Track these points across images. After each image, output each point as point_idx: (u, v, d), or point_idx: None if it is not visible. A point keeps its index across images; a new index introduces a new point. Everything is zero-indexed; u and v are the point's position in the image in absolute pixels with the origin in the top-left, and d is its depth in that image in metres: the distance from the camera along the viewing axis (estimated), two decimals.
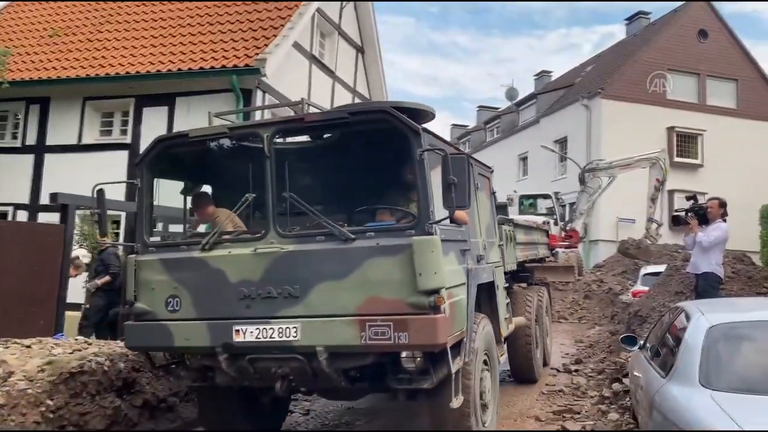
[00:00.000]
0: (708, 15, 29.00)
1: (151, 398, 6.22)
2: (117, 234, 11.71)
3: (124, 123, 12.72)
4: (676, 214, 8.09)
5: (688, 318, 4.02)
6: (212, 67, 11.37)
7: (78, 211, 9.09)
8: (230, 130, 4.73)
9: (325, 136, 4.94)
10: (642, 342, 5.36)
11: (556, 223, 18.47)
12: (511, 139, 35.60)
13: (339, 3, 14.88)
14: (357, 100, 15.73)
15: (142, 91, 12.26)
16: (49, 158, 12.90)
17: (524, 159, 33.70)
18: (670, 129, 26.87)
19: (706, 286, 7.59)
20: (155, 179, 5.00)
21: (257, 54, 11.29)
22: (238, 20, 12.82)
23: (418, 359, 4.21)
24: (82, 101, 12.81)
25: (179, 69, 11.67)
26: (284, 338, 4.21)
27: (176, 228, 6.25)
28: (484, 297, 5.54)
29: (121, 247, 10.36)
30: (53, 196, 7.29)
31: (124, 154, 12.23)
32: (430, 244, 4.05)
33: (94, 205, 7.25)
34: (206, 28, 12.91)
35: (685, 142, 27.27)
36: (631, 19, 33.81)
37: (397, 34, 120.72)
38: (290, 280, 4.25)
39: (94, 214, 5.22)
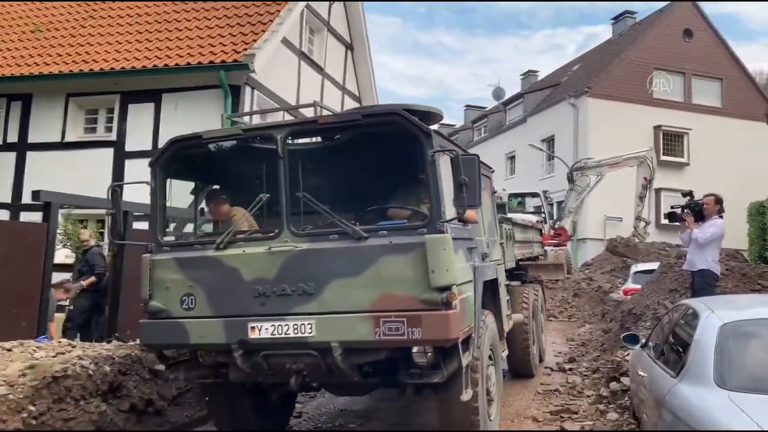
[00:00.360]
0: (693, 14, 29.23)
1: (139, 402, 6.06)
2: (101, 234, 11.43)
3: (109, 120, 12.41)
4: (671, 210, 8.02)
5: (696, 316, 3.91)
6: (199, 63, 11.12)
7: (61, 210, 8.86)
8: (244, 131, 4.82)
9: (337, 137, 4.97)
10: (644, 341, 5.27)
11: (545, 222, 18.49)
12: (499, 138, 35.64)
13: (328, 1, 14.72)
14: (346, 98, 15.59)
15: (128, 87, 11.96)
16: (31, 156, 12.54)
17: (512, 158, 33.74)
18: (657, 128, 27.02)
19: (703, 284, 7.54)
20: (169, 180, 5.07)
21: (246, 49, 11.08)
22: (225, 15, 12.58)
23: (429, 354, 4.29)
24: (65, 98, 12.48)
25: (166, 64, 11.39)
26: (299, 334, 4.30)
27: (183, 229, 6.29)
28: (488, 294, 5.60)
29: (106, 247, 10.14)
30: (35, 194, 7.04)
31: (109, 152, 11.94)
32: (442, 242, 4.16)
33: (78, 202, 7.18)
34: (193, 23, 12.65)
35: (671, 141, 27.45)
36: (617, 19, 34.00)
37: (384, 35, 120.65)
38: (304, 278, 4.34)
39: (109, 213, 5.25)
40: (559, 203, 22.25)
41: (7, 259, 6.86)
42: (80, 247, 9.47)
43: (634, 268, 14.88)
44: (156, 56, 11.76)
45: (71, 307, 8.82)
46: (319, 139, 5.33)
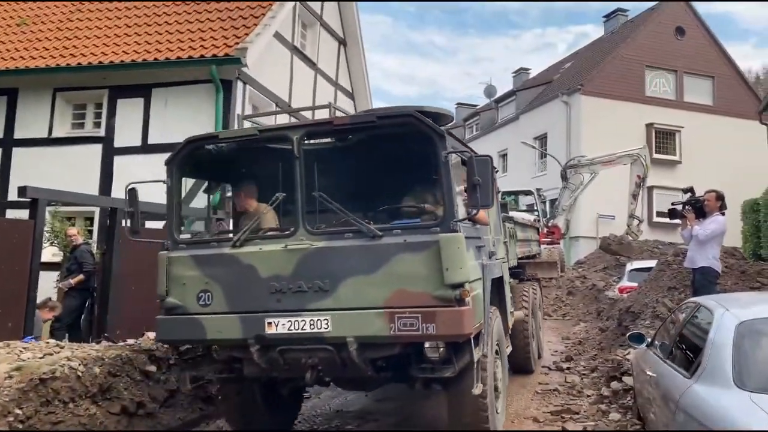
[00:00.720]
0: (685, 12, 29.29)
1: (129, 404, 5.89)
2: (90, 231, 11.19)
3: (98, 115, 12.11)
4: (672, 207, 7.91)
5: (709, 314, 3.79)
6: (190, 57, 10.88)
7: (48, 207, 8.63)
8: (260, 132, 4.93)
9: (351, 138, 5.03)
10: (649, 340, 5.16)
11: (538, 220, 18.48)
12: (491, 136, 35.58)
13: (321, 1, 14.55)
14: (339, 94, 15.41)
15: (117, 82, 11.68)
16: (17, 152, 12.24)
17: (504, 156, 33.69)
18: (649, 125, 27.05)
19: (703, 281, 7.44)
20: (184, 178, 5.24)
21: (237, 44, 10.87)
22: (216, 9, 12.35)
23: (441, 349, 4.43)
24: (52, 92, 12.18)
25: (155, 59, 11.14)
26: (315, 330, 4.42)
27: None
28: (494, 291, 5.69)
29: (94, 245, 9.92)
30: (22, 190, 6.83)
31: (97, 148, 11.67)
32: (456, 240, 4.29)
33: (67, 199, 7.08)
34: (183, 16, 12.41)
35: (663, 139, 27.49)
36: (609, 17, 34.03)
37: (375, 33, 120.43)
38: (320, 275, 4.45)
39: (126, 212, 5.19)
40: (552, 201, 22.23)
41: None
42: (68, 244, 9.25)
43: (629, 266, 14.83)
44: (145, 50, 11.51)
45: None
46: (333, 139, 5.33)
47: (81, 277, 8.57)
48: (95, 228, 11.26)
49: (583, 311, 16.01)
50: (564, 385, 7.86)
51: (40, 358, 5.62)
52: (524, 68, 40.69)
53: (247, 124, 5.86)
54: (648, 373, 4.49)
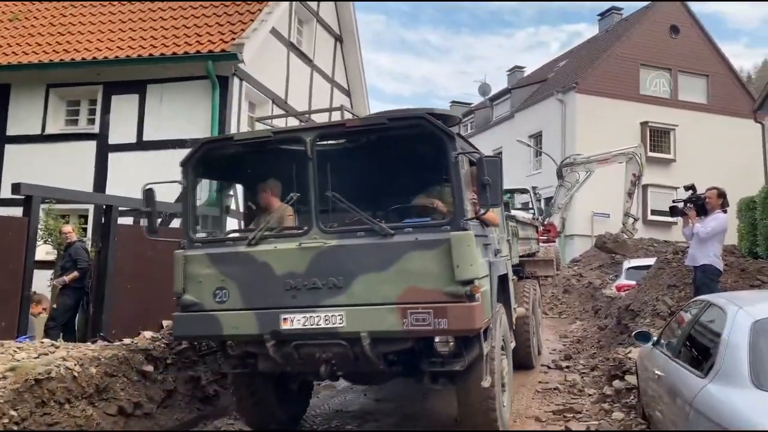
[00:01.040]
0: (680, 11, 29.34)
1: (127, 405, 5.79)
2: (84, 229, 11.05)
3: (92, 112, 11.93)
4: (673, 204, 7.87)
5: (721, 313, 3.73)
6: (186, 53, 10.74)
7: (42, 205, 8.48)
8: (274, 134, 5.09)
9: (362, 140, 5.18)
10: (656, 338, 5.10)
11: (537, 218, 18.48)
12: (486, 134, 35.52)
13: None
14: (335, 91, 15.30)
15: (111, 78, 11.51)
16: (9, 149, 12.05)
17: (498, 154, 33.57)
18: (644, 124, 27.09)
19: (705, 279, 7.40)
20: (199, 179, 5.43)
21: (234, 39, 10.74)
22: (212, 4, 12.20)
23: (451, 343, 4.57)
24: (45, 88, 11.99)
25: (150, 54, 10.98)
26: (330, 325, 4.56)
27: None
28: (499, 288, 5.80)
29: (89, 242, 9.78)
30: (16, 187, 6.69)
31: (91, 145, 11.50)
32: (466, 238, 4.44)
33: (62, 196, 7.05)
34: (178, 12, 12.24)
35: (658, 137, 27.53)
36: (603, 15, 34.07)
37: (368, 32, 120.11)
38: (334, 272, 4.59)
39: (144, 212, 5.33)
40: (547, 199, 22.19)
41: None
42: (62, 242, 9.10)
43: (626, 264, 14.82)
44: (140, 46, 11.35)
45: (54, 305, 8.46)
46: (345, 141, 5.44)
47: (75, 274, 8.43)
48: (89, 226, 11.12)
49: (579, 309, 15.99)
50: (564, 384, 7.82)
51: (35, 358, 5.53)
52: (519, 66, 40.69)
53: (255, 126, 6.21)
54: (656, 372, 4.42)
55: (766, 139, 20.20)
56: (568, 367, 8.93)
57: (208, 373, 7.02)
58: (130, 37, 11.70)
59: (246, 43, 10.62)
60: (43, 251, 9.73)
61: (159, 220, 10.38)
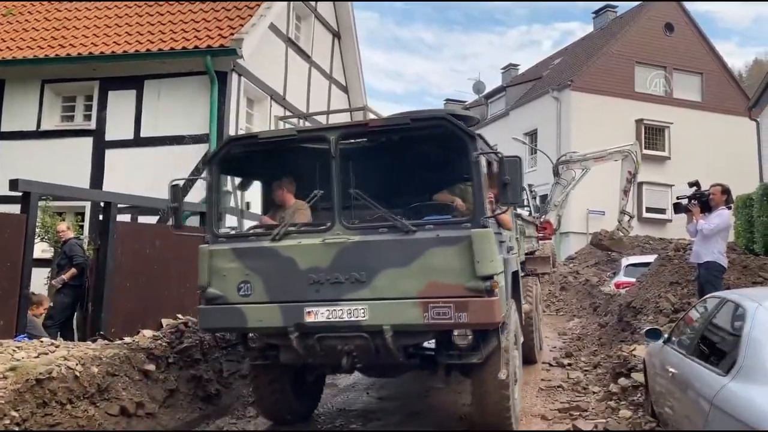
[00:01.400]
0: (674, 9, 29.38)
1: (129, 405, 5.70)
2: (81, 226, 10.91)
3: (88, 108, 11.76)
4: (677, 201, 7.83)
5: (740, 309, 3.68)
6: (184, 48, 10.60)
7: (38, 202, 8.35)
8: (299, 132, 5.28)
9: (384, 139, 5.26)
10: (666, 336, 5.06)
11: (537, 216, 18.48)
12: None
13: None
14: (333, 88, 15.21)
15: (108, 74, 11.35)
16: (4, 146, 11.85)
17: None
18: (639, 121, 27.12)
19: (709, 276, 7.37)
20: (223, 176, 5.59)
21: (232, 34, 10.62)
22: None
23: (469, 337, 4.77)
24: (40, 84, 11.81)
25: (148, 50, 10.84)
26: (353, 318, 4.72)
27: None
28: (512, 284, 5.96)
29: (86, 239, 9.66)
30: (13, 183, 6.55)
31: (88, 141, 11.34)
32: (487, 235, 4.61)
33: (61, 192, 7.04)
34: (176, 7, 12.10)
35: (652, 135, 27.58)
36: (598, 13, 34.08)
37: (362, 29, 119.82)
38: (356, 267, 4.74)
39: (170, 208, 5.51)
40: (543, 197, 22.17)
41: None
42: (58, 240, 8.97)
43: (625, 261, 14.82)
44: (137, 41, 11.21)
45: (51, 304, 8.33)
46: (367, 140, 5.52)
47: (73, 271, 8.31)
48: (86, 223, 10.99)
49: (576, 306, 15.96)
50: (568, 382, 7.78)
51: (35, 357, 5.44)
52: (513, 64, 40.72)
53: (278, 125, 6.42)
54: (669, 369, 4.37)
55: (761, 137, 20.27)
56: (570, 364, 8.89)
57: (210, 372, 6.97)
58: (126, 32, 11.55)
59: (245, 38, 10.50)
60: (39, 249, 9.59)
61: (159, 217, 10.41)
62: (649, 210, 26.77)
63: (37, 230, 8.62)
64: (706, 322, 4.19)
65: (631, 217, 20.15)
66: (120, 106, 11.27)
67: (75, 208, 11.19)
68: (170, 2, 12.30)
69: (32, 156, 11.31)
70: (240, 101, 11.13)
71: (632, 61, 27.92)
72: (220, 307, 5.08)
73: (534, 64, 38.82)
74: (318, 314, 4.78)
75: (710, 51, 29.88)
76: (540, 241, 15.08)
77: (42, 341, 6.11)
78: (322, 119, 10.80)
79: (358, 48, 15.89)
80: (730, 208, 7.41)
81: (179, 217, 5.51)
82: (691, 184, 7.72)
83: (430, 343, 5.27)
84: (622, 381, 6.74)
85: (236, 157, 5.44)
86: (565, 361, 9.02)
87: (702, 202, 7.51)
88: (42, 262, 9.37)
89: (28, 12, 13.10)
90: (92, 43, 11.43)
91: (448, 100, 47.43)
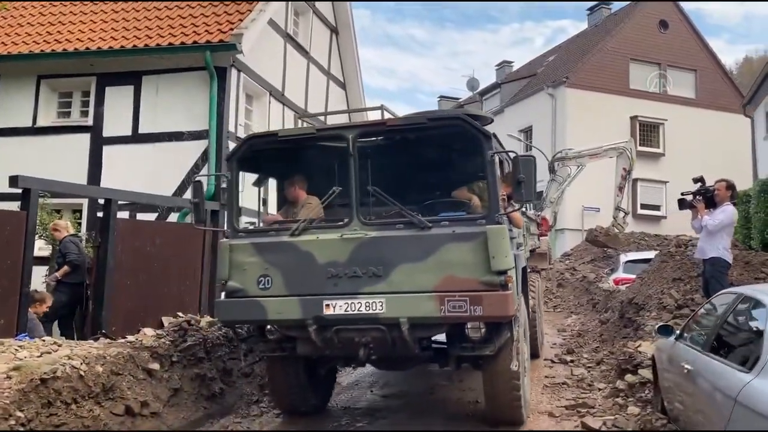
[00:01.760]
0: (668, 6, 29.43)
1: (133, 404, 5.62)
2: (79, 224, 10.78)
3: (85, 104, 11.62)
4: (682, 197, 7.81)
5: (761, 305, 3.66)
6: (183, 43, 10.48)
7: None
8: (318, 131, 5.44)
9: (401, 138, 5.39)
10: (678, 332, 5.03)
11: (538, 214, 18.48)
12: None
13: None
14: (331, 84, 15.12)
15: (105, 69, 11.21)
16: None
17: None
18: (633, 118, 27.18)
19: (714, 272, 7.36)
20: (243, 173, 5.70)
21: (231, 30, 10.52)
22: None
23: (483, 330, 4.95)
24: (36, 80, 11.65)
25: (146, 45, 10.72)
26: (371, 311, 4.86)
27: None
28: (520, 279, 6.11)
29: (84, 237, 9.54)
30: (13, 179, 6.44)
31: (85, 138, 11.20)
32: (501, 231, 4.77)
33: (62, 189, 7.02)
34: (174, 2, 11.96)
35: (647, 131, 27.64)
36: (592, 9, 34.12)
37: (354, 26, 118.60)
38: (374, 262, 4.90)
39: (192, 204, 5.69)
40: (539, 194, 22.18)
41: None
42: (54, 238, 8.84)
43: (624, 258, 14.82)
44: (135, 36, 11.07)
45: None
46: (384, 138, 5.63)
47: (66, 268, 8.19)
48: (83, 221, 10.86)
49: (574, 303, 15.97)
50: (572, 378, 7.76)
51: (38, 356, 5.35)
52: (507, 61, 40.63)
53: (298, 123, 6.71)
54: (684, 366, 4.34)
55: (756, 134, 20.37)
56: (572, 361, 8.87)
57: (213, 371, 6.90)
58: (124, 27, 11.41)
59: (245, 33, 10.41)
60: (36, 247, 9.46)
61: (158, 213, 10.31)
62: (644, 206, 26.84)
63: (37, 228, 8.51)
64: (722, 319, 4.17)
65: (626, 214, 20.21)
66: (118, 102, 11.13)
67: (72, 206, 11.06)
68: None
69: (28, 153, 11.15)
70: (239, 97, 11.04)
71: (627, 58, 27.96)
72: (240, 300, 5.22)
73: (527, 61, 38.81)
74: (336, 307, 4.91)
75: (704, 48, 29.98)
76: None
77: (44, 340, 6.03)
78: (326, 118, 10.69)
79: (356, 44, 15.81)
80: (735, 203, 7.39)
81: (200, 212, 5.65)
82: (695, 180, 7.70)
83: (440, 337, 5.41)
84: (629, 377, 6.72)
85: (255, 155, 5.61)
86: (568, 358, 9.00)
87: (707, 198, 7.49)
88: (39, 261, 9.25)
89: (23, 6, 12.91)
90: (89, 38, 11.30)
91: (441, 97, 47.41)
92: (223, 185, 5.60)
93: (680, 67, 28.94)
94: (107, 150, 11.08)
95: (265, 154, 5.70)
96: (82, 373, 5.26)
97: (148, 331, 6.86)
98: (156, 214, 10.27)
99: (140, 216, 10.00)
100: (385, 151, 5.47)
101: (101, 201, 8.10)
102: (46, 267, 8.93)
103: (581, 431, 5.69)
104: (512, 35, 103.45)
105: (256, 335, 5.67)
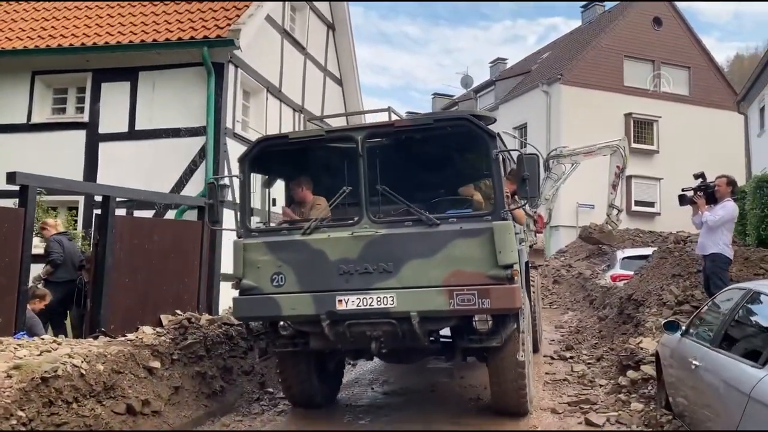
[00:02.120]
0: (662, 3, 29.48)
1: (135, 403, 5.59)
2: (75, 222, 10.67)
3: (80, 100, 11.46)
4: (682, 192, 7.81)
5: None
6: (180, 39, 10.37)
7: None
8: (327, 132, 5.65)
9: (408, 138, 5.53)
10: (684, 328, 5.03)
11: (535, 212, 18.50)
12: None
13: None
14: (328, 80, 15.04)
15: (101, 65, 11.07)
16: None
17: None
18: (628, 115, 27.24)
19: (714, 268, 7.38)
20: (254, 174, 5.92)
21: (229, 25, 10.42)
22: None
23: (490, 322, 5.11)
24: (30, 75, 11.47)
25: (142, 40, 10.58)
26: (382, 305, 5.05)
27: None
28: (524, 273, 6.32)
29: (80, 234, 9.44)
30: (11, 176, 6.35)
31: (80, 134, 11.05)
32: (507, 227, 4.96)
33: (62, 186, 7.00)
34: None
35: (641, 128, 27.71)
36: (586, 6, 34.16)
37: None
38: (384, 258, 5.09)
39: (206, 204, 5.99)
40: None
41: None
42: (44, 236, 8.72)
43: (620, 254, 14.86)
44: (131, 32, 10.93)
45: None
46: (392, 139, 5.73)
47: (48, 268, 8.12)
48: (80, 218, 10.75)
49: (570, 300, 15.99)
50: (572, 375, 7.77)
51: (38, 355, 5.30)
52: (501, 58, 40.61)
53: (306, 126, 6.84)
54: (692, 362, 4.33)
55: (749, 130, 20.47)
56: (572, 357, 8.87)
57: (214, 369, 6.86)
58: (119, 23, 11.26)
59: (242, 28, 10.29)
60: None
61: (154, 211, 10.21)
62: (638, 203, 26.93)
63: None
64: (732, 314, 4.16)
65: (620, 211, 20.31)
66: (114, 98, 10.99)
67: (68, 203, 10.96)
68: None
69: (23, 149, 11.02)
70: (237, 93, 10.94)
71: (621, 55, 28.01)
72: (255, 297, 5.40)
73: (521, 59, 38.83)
74: (349, 302, 5.10)
75: (697, 45, 30.07)
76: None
77: (43, 339, 5.96)
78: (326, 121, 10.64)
79: (353, 40, 15.74)
80: (735, 199, 7.40)
81: (215, 213, 5.81)
82: (696, 176, 7.71)
83: (445, 331, 5.63)
84: (631, 374, 6.71)
85: (267, 156, 5.80)
86: (567, 354, 9.00)
87: (707, 193, 7.50)
88: (35, 258, 9.14)
89: (16, 2, 12.75)
90: (84, 34, 11.14)
91: (435, 94, 47.34)
92: (224, 184, 5.71)
93: (674, 64, 29.01)
94: (103, 147, 10.95)
95: (276, 156, 5.90)
96: (83, 371, 5.22)
97: (148, 329, 6.80)
98: (153, 212, 10.18)
99: (137, 213, 9.92)
100: (392, 151, 5.58)
101: (98, 198, 7.99)
102: (42, 265, 8.82)
103: (585, 428, 5.69)
104: (504, 32, 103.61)
105: (270, 331, 5.79)
